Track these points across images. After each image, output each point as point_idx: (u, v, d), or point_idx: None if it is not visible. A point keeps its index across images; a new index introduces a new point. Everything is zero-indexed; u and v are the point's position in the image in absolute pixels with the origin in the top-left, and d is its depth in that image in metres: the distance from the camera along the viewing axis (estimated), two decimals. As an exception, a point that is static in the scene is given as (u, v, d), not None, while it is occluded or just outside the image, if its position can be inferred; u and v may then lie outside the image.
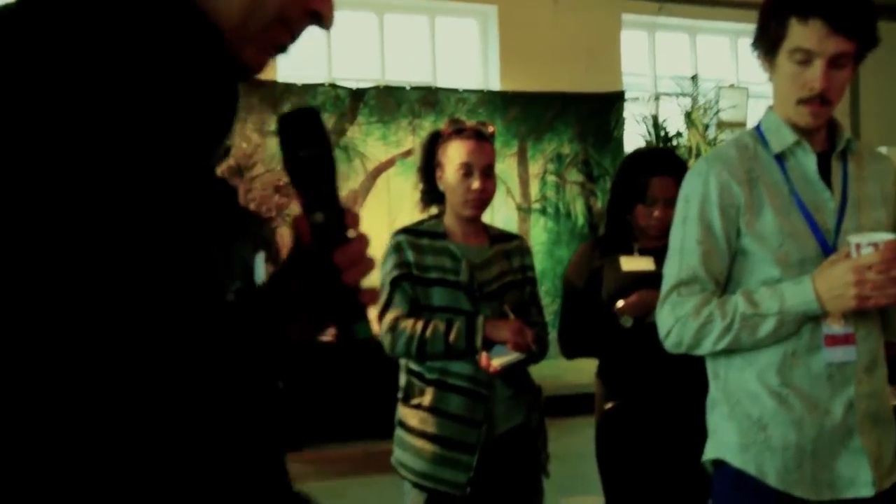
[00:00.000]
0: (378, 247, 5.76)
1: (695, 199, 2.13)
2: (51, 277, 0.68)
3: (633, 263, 3.01)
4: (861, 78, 7.73)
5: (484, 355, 2.64)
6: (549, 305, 6.59)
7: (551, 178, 7.87)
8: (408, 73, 7.94)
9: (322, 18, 0.95)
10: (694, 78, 8.43)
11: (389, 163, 7.36)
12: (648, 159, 3.16)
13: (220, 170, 2.57)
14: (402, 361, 2.78)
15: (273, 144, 7.03)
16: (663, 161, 3.13)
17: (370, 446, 5.63)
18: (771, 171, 2.12)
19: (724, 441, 2.13)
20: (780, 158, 2.13)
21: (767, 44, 2.09)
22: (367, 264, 1.00)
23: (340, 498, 5.22)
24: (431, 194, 2.85)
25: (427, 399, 2.69)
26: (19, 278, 0.68)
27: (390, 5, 7.89)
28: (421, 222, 2.85)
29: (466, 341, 2.63)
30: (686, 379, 2.59)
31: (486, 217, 2.88)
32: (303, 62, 7.70)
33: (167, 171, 0.77)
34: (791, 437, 2.03)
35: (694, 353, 2.14)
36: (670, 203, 2.95)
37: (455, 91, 7.63)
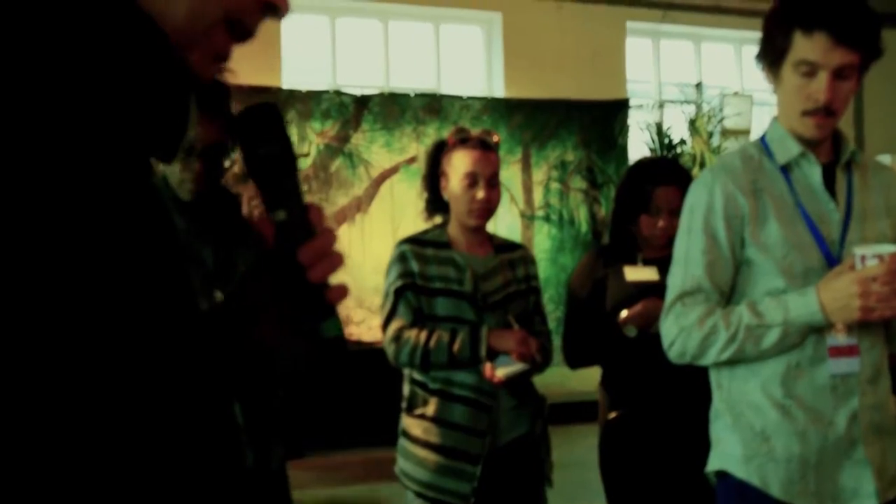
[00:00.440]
0: (381, 253, 5.79)
1: (700, 209, 2.14)
2: None
3: (637, 273, 3.02)
4: (865, 86, 7.73)
5: (488, 365, 2.64)
6: (553, 312, 6.59)
7: (555, 186, 7.87)
8: (412, 79, 7.96)
9: (277, 9, 0.91)
10: (698, 85, 8.44)
11: (393, 170, 7.37)
12: (652, 169, 3.16)
13: (225, 177, 2.57)
14: (406, 371, 2.78)
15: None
16: (667, 171, 3.13)
17: (372, 454, 5.63)
18: (776, 182, 2.12)
19: (727, 452, 2.13)
20: (785, 170, 2.13)
21: (772, 56, 2.09)
22: (334, 260, 0.96)
23: (343, 505, 5.22)
24: (436, 203, 2.85)
25: (431, 409, 2.69)
26: None
27: (395, 12, 7.90)
28: (425, 232, 2.85)
29: (470, 351, 2.63)
30: (689, 389, 2.60)
31: (490, 224, 2.88)
32: (307, 69, 7.72)
33: (109, 179, 0.74)
34: (795, 448, 2.03)
35: (698, 364, 2.14)
36: (674, 213, 2.95)
37: (459, 98, 7.64)
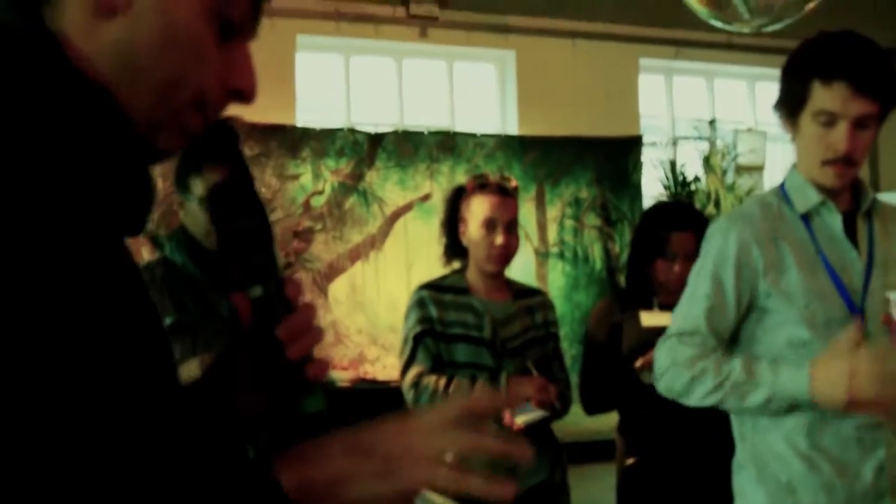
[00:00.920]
0: (395, 290, 5.82)
1: (712, 253, 2.14)
2: None
3: (653, 318, 3.01)
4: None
5: (507, 413, 2.62)
6: (567, 350, 6.56)
7: (569, 223, 7.87)
8: (426, 117, 7.99)
9: (244, 95, 0.89)
10: (711, 122, 8.44)
11: (407, 207, 7.38)
12: (668, 214, 3.17)
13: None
14: (424, 413, 2.77)
15: (292, 189, 7.07)
16: (684, 216, 3.14)
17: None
18: (796, 231, 2.12)
19: None
20: (806, 218, 2.12)
21: (790, 105, 2.09)
22: (313, 336, 0.95)
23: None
24: (454, 248, 2.85)
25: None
26: None
27: (408, 51, 7.95)
28: (444, 277, 2.85)
29: None
30: (708, 436, 2.57)
31: (504, 263, 2.87)
32: (321, 107, 7.77)
33: (78, 258, 0.71)
34: (821, 500, 2.01)
35: (682, 402, 2.12)
36: (690, 258, 2.94)
37: (473, 135, 7.66)
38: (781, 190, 2.20)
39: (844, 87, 1.97)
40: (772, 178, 8.22)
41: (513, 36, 8.02)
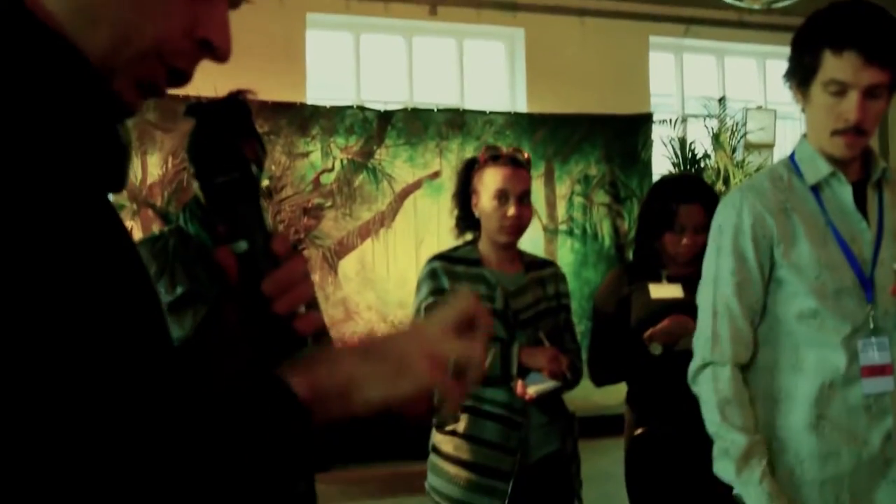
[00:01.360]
0: (405, 267, 5.84)
1: (728, 229, 2.13)
2: None
3: (661, 291, 3.02)
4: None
5: (519, 383, 2.64)
6: (576, 326, 6.57)
7: (578, 200, 7.87)
8: (435, 95, 7.99)
9: (214, 49, 0.83)
10: (721, 100, 8.42)
11: (416, 185, 7.39)
12: (676, 186, 3.17)
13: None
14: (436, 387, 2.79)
15: (302, 166, 7.09)
16: (691, 188, 3.14)
17: (400, 468, 5.63)
18: (806, 202, 2.11)
19: None
20: (816, 189, 2.12)
21: (800, 75, 2.08)
22: (302, 290, 0.91)
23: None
24: (466, 220, 2.85)
25: (462, 425, 2.70)
26: None
27: (418, 28, 7.94)
28: (455, 248, 2.86)
29: (502, 369, 2.63)
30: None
31: (514, 239, 2.88)
32: (331, 84, 7.78)
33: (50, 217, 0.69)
34: (829, 469, 2.02)
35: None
36: (698, 230, 2.96)
37: (482, 113, 7.66)
38: (791, 161, 2.19)
39: (855, 56, 1.96)
40: (781, 156, 8.18)
41: (522, 14, 8.00)
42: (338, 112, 7.25)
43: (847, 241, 2.07)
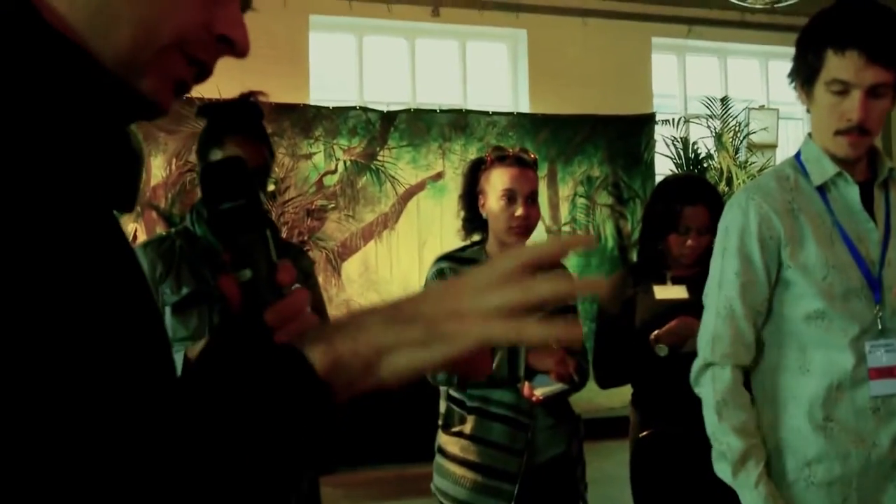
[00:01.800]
0: (408, 269, 5.81)
1: (734, 231, 2.12)
2: None
3: (666, 292, 3.01)
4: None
5: (526, 385, 2.63)
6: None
7: (581, 201, 7.87)
8: (438, 96, 8.00)
9: (233, 44, 0.83)
10: (724, 100, 8.42)
11: (419, 186, 7.40)
12: (681, 187, 3.15)
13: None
14: (443, 388, 2.79)
15: (305, 168, 7.09)
16: (696, 189, 3.13)
17: (405, 470, 5.63)
18: (813, 203, 2.10)
19: None
20: (822, 189, 2.11)
21: (804, 75, 2.07)
22: (303, 322, 0.87)
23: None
24: (473, 222, 2.84)
25: (468, 427, 2.69)
26: None
27: (421, 30, 7.95)
28: (463, 249, 2.85)
29: (509, 370, 2.62)
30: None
31: (517, 240, 2.88)
32: (334, 86, 7.78)
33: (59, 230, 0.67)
34: (836, 470, 2.01)
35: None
36: (703, 231, 2.96)
37: (485, 114, 7.66)
38: (797, 161, 2.17)
39: (857, 55, 1.95)
40: (784, 156, 8.17)
41: (524, 15, 8.00)
42: (341, 113, 7.26)
43: (854, 242, 2.06)
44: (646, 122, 8.10)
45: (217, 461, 0.70)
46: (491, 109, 7.78)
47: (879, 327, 2.02)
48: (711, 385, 2.11)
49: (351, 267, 7.16)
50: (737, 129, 8.17)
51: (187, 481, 0.69)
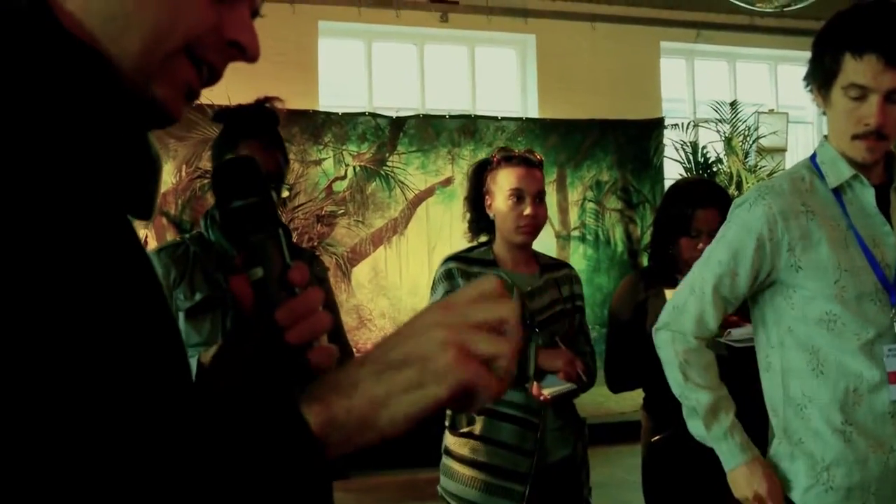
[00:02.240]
0: (418, 274, 5.82)
1: (735, 222, 2.14)
2: None
3: None
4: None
5: (535, 384, 2.63)
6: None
7: (590, 206, 7.86)
8: (447, 101, 8.01)
9: (244, 49, 0.83)
10: (733, 104, 8.40)
11: (429, 191, 7.40)
12: (692, 191, 3.14)
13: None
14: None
15: (315, 174, 7.10)
16: (707, 193, 3.12)
17: (412, 475, 5.63)
18: (828, 205, 2.09)
19: (784, 480, 2.10)
20: (838, 192, 2.10)
21: (821, 79, 2.06)
22: (316, 321, 0.87)
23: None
24: (480, 223, 2.84)
25: (478, 428, 2.69)
26: None
27: (430, 36, 7.96)
28: (470, 249, 2.85)
29: (518, 370, 2.62)
30: (737, 412, 2.58)
31: (526, 243, 2.88)
32: (343, 92, 7.80)
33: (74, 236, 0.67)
34: (855, 475, 2.00)
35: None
36: (714, 235, 2.95)
37: (494, 119, 7.67)
38: (813, 163, 2.16)
39: (875, 59, 1.94)
40: (793, 160, 8.17)
41: (533, 20, 8.01)
42: (350, 119, 7.27)
43: (869, 245, 2.04)
44: (655, 126, 8.09)
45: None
46: (500, 115, 7.78)
47: (895, 332, 2.00)
48: (672, 346, 2.21)
49: (361, 272, 7.16)
50: (746, 133, 8.15)
51: None
